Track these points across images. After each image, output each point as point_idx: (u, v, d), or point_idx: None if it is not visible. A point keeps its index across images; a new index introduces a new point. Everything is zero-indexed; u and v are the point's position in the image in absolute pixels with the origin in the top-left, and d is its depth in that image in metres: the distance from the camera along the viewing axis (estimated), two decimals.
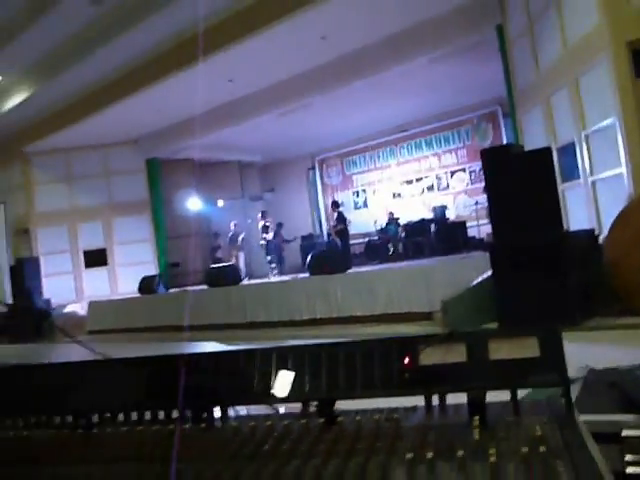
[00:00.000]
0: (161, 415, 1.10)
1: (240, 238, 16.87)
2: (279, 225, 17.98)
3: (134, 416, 1.12)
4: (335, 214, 16.42)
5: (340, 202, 17.61)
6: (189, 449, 0.92)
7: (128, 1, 10.58)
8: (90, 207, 17.16)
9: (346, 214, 16.83)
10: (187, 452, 0.91)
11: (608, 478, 0.71)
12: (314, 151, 21.03)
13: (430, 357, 0.99)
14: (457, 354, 0.98)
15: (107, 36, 11.42)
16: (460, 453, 0.78)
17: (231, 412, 1.09)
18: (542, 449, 0.77)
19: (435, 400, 1.01)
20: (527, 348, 0.96)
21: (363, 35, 11.73)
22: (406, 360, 1.00)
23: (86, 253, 17.26)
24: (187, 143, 16.38)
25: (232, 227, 17.06)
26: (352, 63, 12.57)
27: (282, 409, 1.12)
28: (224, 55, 11.66)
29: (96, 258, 17.18)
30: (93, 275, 17.12)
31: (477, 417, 0.91)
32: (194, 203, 18.62)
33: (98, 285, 16.86)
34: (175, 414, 1.08)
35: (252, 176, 21.76)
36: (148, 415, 1.11)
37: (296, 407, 1.06)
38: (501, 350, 0.97)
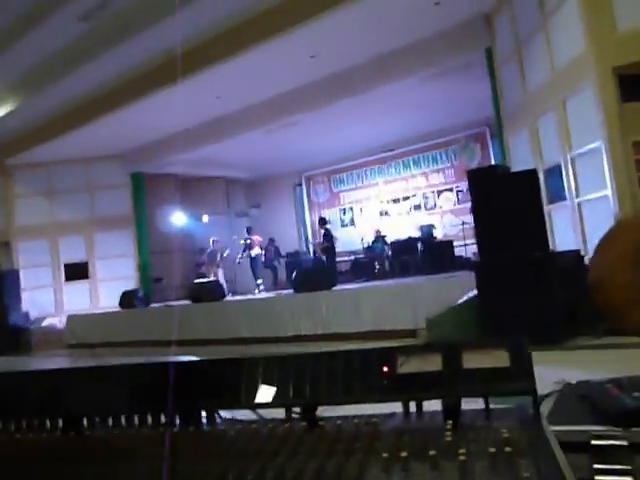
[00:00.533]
0: (150, 419, 1.16)
1: (225, 254, 16.87)
2: (271, 240, 18.07)
3: (124, 421, 1.18)
4: (322, 231, 16.47)
5: (327, 219, 17.69)
6: (178, 450, 0.99)
7: (116, 18, 10.62)
8: (72, 221, 17.09)
9: (333, 232, 16.89)
10: (177, 452, 0.98)
11: (569, 476, 0.78)
12: (301, 168, 21.10)
13: (407, 366, 1.06)
14: (433, 363, 1.06)
15: (94, 51, 11.40)
16: (432, 453, 0.85)
17: (218, 419, 1.16)
18: (508, 449, 0.84)
19: (413, 408, 1.08)
20: (498, 358, 1.04)
21: (352, 54, 11.82)
22: (385, 369, 1.07)
23: (67, 266, 17.20)
24: (173, 158, 16.36)
25: (211, 244, 17.08)
26: (341, 82, 12.65)
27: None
28: (212, 71, 11.71)
29: (77, 272, 17.11)
30: (74, 289, 17.06)
31: (450, 421, 0.98)
32: (179, 218, 18.62)
33: (79, 299, 16.81)
34: (163, 419, 1.14)
35: (238, 192, 21.82)
36: (137, 420, 1.18)
37: (280, 414, 1.13)
38: (474, 360, 1.04)
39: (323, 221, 16.85)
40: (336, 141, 17.92)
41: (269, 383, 1.11)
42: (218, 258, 16.76)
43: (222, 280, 15.77)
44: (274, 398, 1.11)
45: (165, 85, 12.06)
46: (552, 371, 1.83)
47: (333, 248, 16.04)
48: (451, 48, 11.05)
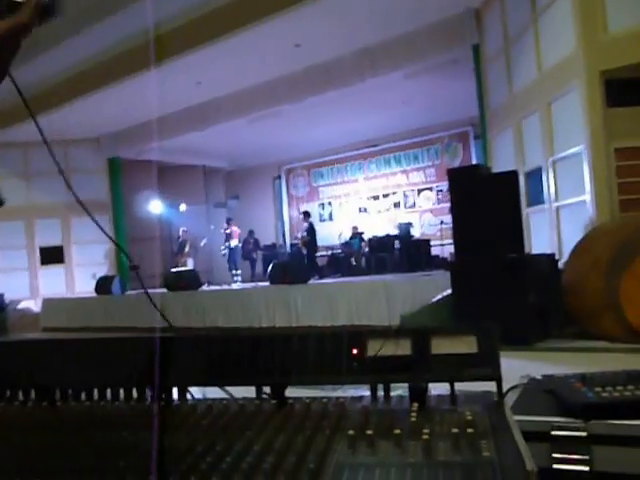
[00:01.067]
0: (122, 393, 1.19)
1: (202, 244, 16.86)
2: (250, 232, 18.08)
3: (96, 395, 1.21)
4: (305, 224, 16.49)
5: (304, 213, 17.71)
6: (149, 422, 1.02)
7: None
8: (48, 204, 16.91)
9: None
10: (147, 425, 1.00)
11: (526, 456, 0.82)
12: (281, 160, 21.10)
13: (377, 349, 1.10)
14: (402, 348, 1.09)
15: (72, 30, 11.19)
16: (397, 432, 0.89)
17: (189, 397, 1.19)
18: (470, 431, 0.88)
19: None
20: (466, 345, 1.08)
21: (338, 45, 11.78)
22: (354, 351, 1.11)
23: (42, 250, 17.07)
24: (151, 145, 16.28)
25: (180, 233, 17.05)
26: (325, 73, 12.60)
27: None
28: (193, 56, 11.58)
29: (53, 256, 17.00)
30: (49, 273, 16.94)
31: (416, 404, 1.02)
32: (156, 206, 18.52)
33: (54, 283, 16.69)
34: (136, 393, 1.17)
35: (217, 182, 21.75)
36: (109, 393, 1.20)
37: (251, 393, 1.16)
38: (442, 346, 1.08)
39: (307, 214, 16.87)
40: (317, 134, 17.92)
41: (240, 362, 1.14)
42: (187, 248, 16.73)
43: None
44: (244, 376, 1.14)
45: (143, 69, 11.83)
46: (520, 368, 1.88)
47: (315, 242, 16.08)
48: (438, 43, 11.06)
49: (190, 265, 16.61)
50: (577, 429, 1.30)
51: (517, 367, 2.00)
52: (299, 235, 17.63)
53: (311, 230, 16.16)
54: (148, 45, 11.35)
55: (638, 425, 1.27)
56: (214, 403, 1.11)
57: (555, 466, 1.28)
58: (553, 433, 1.31)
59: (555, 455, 1.29)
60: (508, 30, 9.60)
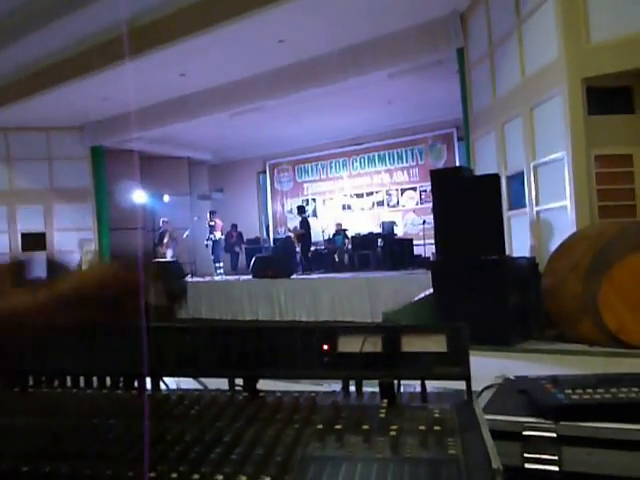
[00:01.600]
0: (95, 382, 1.19)
1: (184, 235, 16.84)
2: (234, 226, 18.10)
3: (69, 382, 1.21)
4: (300, 218, 16.57)
5: (289, 209, 17.72)
6: (120, 410, 1.02)
7: None
8: (30, 190, 16.82)
9: (294, 222, 16.98)
10: (118, 412, 1.01)
11: (493, 454, 0.82)
12: (266, 155, 21.10)
13: (348, 345, 1.11)
14: (373, 345, 1.10)
15: (53, 14, 11.04)
16: (366, 427, 0.90)
17: (163, 387, 1.19)
18: (437, 428, 0.89)
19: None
20: (436, 343, 1.08)
21: (323, 42, 11.73)
22: (325, 346, 1.11)
23: (24, 236, 16.94)
24: (135, 134, 16.20)
25: (161, 224, 17.02)
26: (309, 70, 12.55)
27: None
28: (177, 47, 11.46)
29: (34, 242, 16.85)
30: (31, 260, 16.78)
31: (386, 400, 1.03)
32: (139, 196, 18.47)
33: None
34: (109, 382, 1.17)
35: (201, 174, 21.72)
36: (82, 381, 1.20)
37: (224, 385, 1.17)
38: (412, 344, 1.09)
39: (302, 209, 16.95)
40: (302, 130, 17.94)
41: (213, 353, 1.15)
42: (166, 239, 16.71)
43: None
44: (216, 368, 1.14)
45: (128, 57, 11.50)
46: (499, 368, 1.90)
47: (309, 236, 16.15)
48: (424, 44, 11.04)
49: (169, 256, 16.54)
50: (547, 430, 1.32)
51: (496, 367, 2.02)
52: (290, 227, 17.67)
53: (306, 224, 16.22)
54: (131, 35, 11.20)
55: (605, 427, 1.29)
56: (186, 393, 1.11)
57: (526, 465, 1.30)
58: (524, 433, 1.33)
59: (526, 455, 1.31)
60: (492, 35, 9.64)
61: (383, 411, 0.98)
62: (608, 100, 7.65)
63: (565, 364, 5.25)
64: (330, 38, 11.57)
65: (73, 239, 16.85)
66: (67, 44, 12.41)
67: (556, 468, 1.28)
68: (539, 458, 1.29)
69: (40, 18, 11.31)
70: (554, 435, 1.30)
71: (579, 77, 7.51)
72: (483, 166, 9.92)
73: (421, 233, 15.43)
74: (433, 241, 7.96)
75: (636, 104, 7.63)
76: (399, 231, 17.24)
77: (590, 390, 1.40)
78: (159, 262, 13.48)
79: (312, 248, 16.60)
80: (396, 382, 1.09)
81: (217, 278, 14.08)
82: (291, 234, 17.09)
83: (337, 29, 11.15)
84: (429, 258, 13.89)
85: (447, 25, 10.68)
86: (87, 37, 12.05)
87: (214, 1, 10.56)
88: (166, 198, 19.02)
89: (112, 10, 10.41)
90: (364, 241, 15.91)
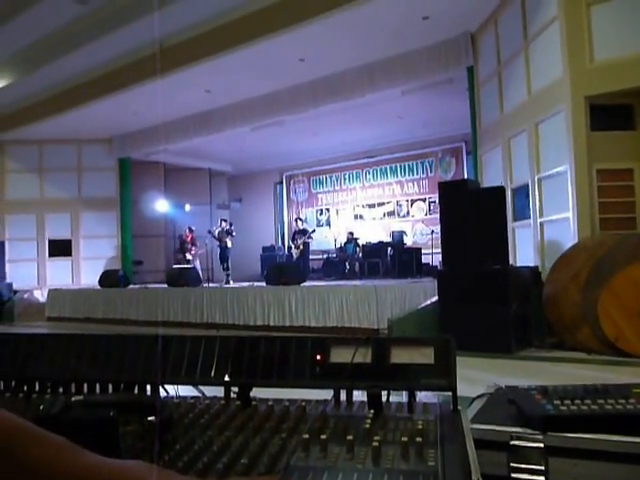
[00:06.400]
0: (98, 389, 1.18)
1: (204, 243, 16.82)
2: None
3: (73, 389, 1.20)
4: (304, 238, 16.38)
5: (304, 218, 17.58)
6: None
7: (112, 3, 10.48)
8: (59, 199, 16.99)
9: (308, 230, 16.91)
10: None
11: (474, 466, 0.81)
12: (283, 167, 21.16)
13: (339, 356, 1.09)
14: (363, 356, 1.09)
15: (90, 35, 11.26)
16: (350, 437, 0.88)
17: (163, 393, 1.18)
18: (419, 440, 0.87)
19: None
20: (423, 356, 1.07)
21: (340, 61, 11.83)
22: (318, 357, 1.10)
23: (51, 242, 17.07)
24: (160, 147, 16.32)
25: (187, 232, 17.04)
26: (327, 87, 12.63)
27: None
28: (204, 66, 11.65)
29: (61, 248, 17.00)
30: (57, 264, 16.96)
31: (372, 410, 1.02)
32: (162, 205, 18.60)
33: (61, 274, 16.73)
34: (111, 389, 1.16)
35: (221, 185, 21.82)
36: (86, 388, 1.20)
37: (221, 393, 1.16)
38: (401, 356, 1.08)
39: (305, 232, 16.58)
40: (318, 144, 18.03)
41: (210, 362, 1.14)
42: (195, 248, 16.71)
43: (198, 267, 15.74)
44: (212, 376, 1.14)
45: (155, 75, 11.93)
46: (495, 376, 1.87)
47: (308, 246, 16.12)
48: (436, 63, 11.07)
49: (197, 264, 16.51)
50: (534, 440, 1.29)
51: (494, 374, 1.99)
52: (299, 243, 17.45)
53: (303, 233, 16.15)
54: (161, 54, 11.44)
55: (591, 439, 1.26)
56: (182, 401, 1.10)
57: (513, 475, 1.27)
58: (512, 443, 1.30)
59: (513, 465, 1.28)
60: (501, 54, 9.68)
61: (368, 422, 0.97)
62: (610, 117, 7.64)
63: (563, 372, 5.21)
64: (347, 57, 11.65)
65: (97, 246, 16.99)
66: (100, 63, 12.65)
67: (542, 478, 1.26)
68: (525, 468, 1.27)
69: (76, 39, 11.50)
70: (541, 445, 1.28)
71: (582, 95, 7.53)
72: (490, 179, 9.91)
73: (430, 242, 15.37)
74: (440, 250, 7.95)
75: (637, 121, 7.62)
76: (408, 240, 17.20)
77: (578, 401, 1.37)
78: (180, 269, 13.54)
79: (319, 257, 16.41)
80: (385, 393, 1.08)
81: (227, 285, 14.05)
82: (292, 246, 16.94)
83: (354, 49, 11.22)
84: (437, 267, 13.85)
85: (458, 45, 10.71)
86: (119, 56, 12.26)
87: (240, 23, 10.66)
88: (187, 207, 19.10)
89: (143, 32, 10.60)
90: (374, 250, 15.87)
